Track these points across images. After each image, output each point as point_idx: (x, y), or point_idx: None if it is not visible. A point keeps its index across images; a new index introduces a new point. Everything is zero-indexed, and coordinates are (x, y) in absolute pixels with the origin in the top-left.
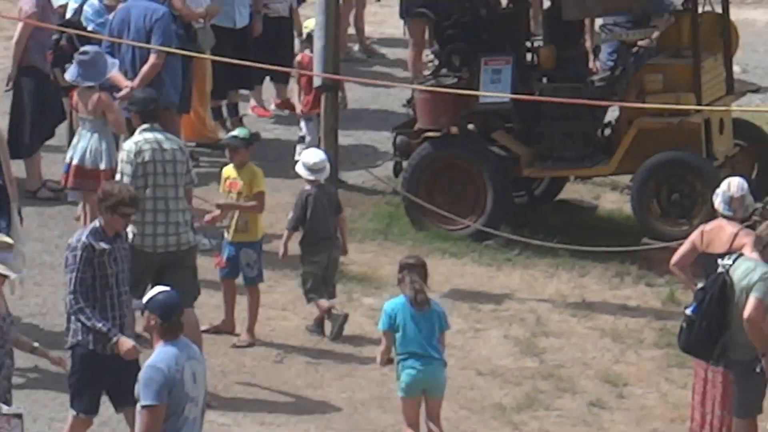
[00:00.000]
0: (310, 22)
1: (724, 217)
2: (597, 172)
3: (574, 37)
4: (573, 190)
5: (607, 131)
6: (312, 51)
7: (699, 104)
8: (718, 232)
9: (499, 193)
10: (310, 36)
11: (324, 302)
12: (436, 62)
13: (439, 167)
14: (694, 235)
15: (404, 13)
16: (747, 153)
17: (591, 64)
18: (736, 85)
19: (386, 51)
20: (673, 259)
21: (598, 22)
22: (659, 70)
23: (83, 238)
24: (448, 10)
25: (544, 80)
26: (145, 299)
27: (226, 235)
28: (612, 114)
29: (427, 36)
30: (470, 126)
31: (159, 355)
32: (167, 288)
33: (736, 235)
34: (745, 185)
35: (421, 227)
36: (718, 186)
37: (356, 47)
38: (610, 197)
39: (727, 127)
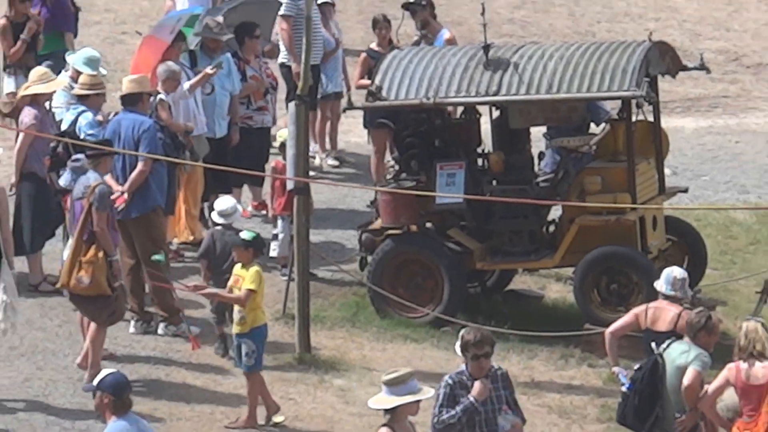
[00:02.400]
0: (283, 132)
1: (666, 297)
2: (542, 264)
3: (520, 144)
4: (521, 281)
5: (552, 228)
6: (284, 158)
7: (634, 203)
8: (662, 312)
9: (455, 285)
10: (283, 145)
11: (221, 327)
12: (397, 167)
13: (400, 261)
14: (638, 310)
15: (368, 124)
16: (678, 247)
17: (536, 168)
18: (667, 185)
19: (352, 158)
20: (611, 326)
21: (542, 129)
22: (598, 173)
23: (447, 379)
24: (407, 121)
25: (494, 183)
26: (95, 381)
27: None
28: (555, 213)
29: (388, 144)
30: (428, 224)
31: (112, 430)
32: (114, 369)
33: (679, 316)
34: (685, 273)
35: (385, 315)
36: (652, 277)
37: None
38: (555, 287)
39: (659, 224)
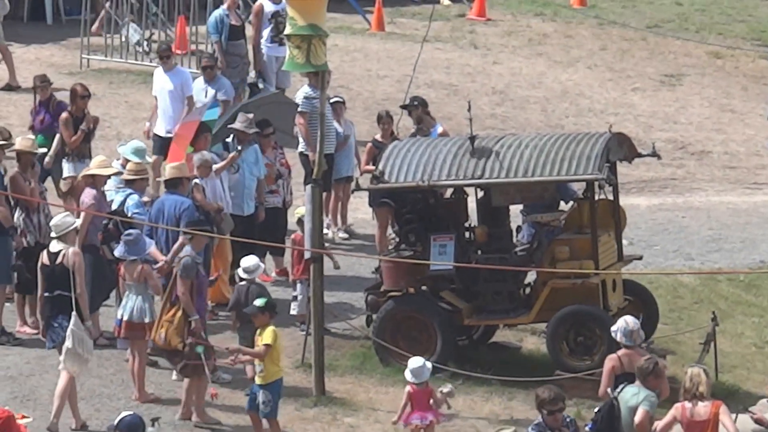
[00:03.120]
0: (300, 209)
1: (627, 347)
2: (520, 321)
3: (501, 219)
4: (502, 335)
5: (528, 290)
6: (302, 231)
7: (597, 269)
8: (633, 357)
9: (447, 337)
10: (300, 220)
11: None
12: (397, 239)
13: (400, 318)
14: (611, 363)
15: (372, 203)
16: (634, 305)
17: (514, 239)
18: (625, 253)
19: (360, 231)
20: (600, 390)
21: (519, 207)
22: (566, 243)
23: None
24: (406, 200)
25: (479, 252)
26: (115, 421)
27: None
28: (531, 277)
29: (390, 219)
30: (424, 287)
31: None
32: (132, 412)
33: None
34: (637, 321)
35: (388, 364)
36: (609, 332)
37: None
38: (531, 340)
39: (618, 286)
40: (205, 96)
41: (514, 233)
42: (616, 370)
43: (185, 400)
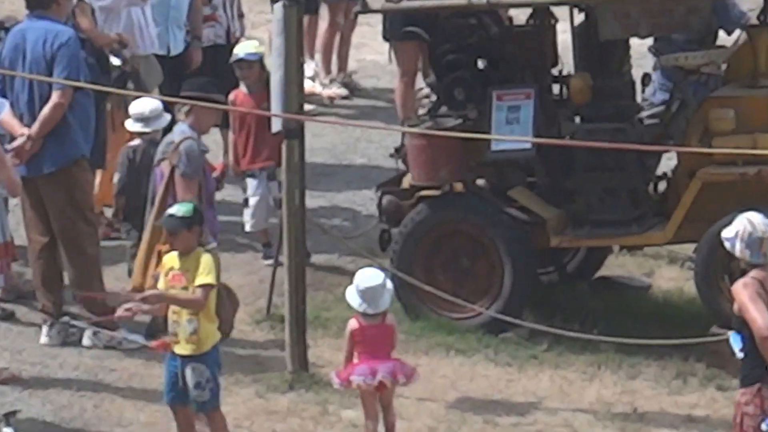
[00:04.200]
0: (247, 44)
1: (757, 266)
2: (649, 240)
3: (615, 63)
4: (618, 265)
5: (662, 186)
6: (249, 86)
7: None
8: None
9: (520, 270)
10: (243, 62)
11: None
12: (434, 98)
13: (439, 236)
14: (749, 288)
15: (390, 34)
16: None
17: (639, 98)
18: None
19: (367, 84)
20: (761, 322)
21: (648, 42)
22: (730, 105)
23: None
24: (448, 30)
25: (577, 120)
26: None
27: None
28: (668, 163)
29: (420, 64)
30: (480, 181)
31: None
32: None
33: None
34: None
35: (418, 315)
36: None
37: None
38: (667, 273)
39: None
40: None
41: (639, 87)
42: (763, 299)
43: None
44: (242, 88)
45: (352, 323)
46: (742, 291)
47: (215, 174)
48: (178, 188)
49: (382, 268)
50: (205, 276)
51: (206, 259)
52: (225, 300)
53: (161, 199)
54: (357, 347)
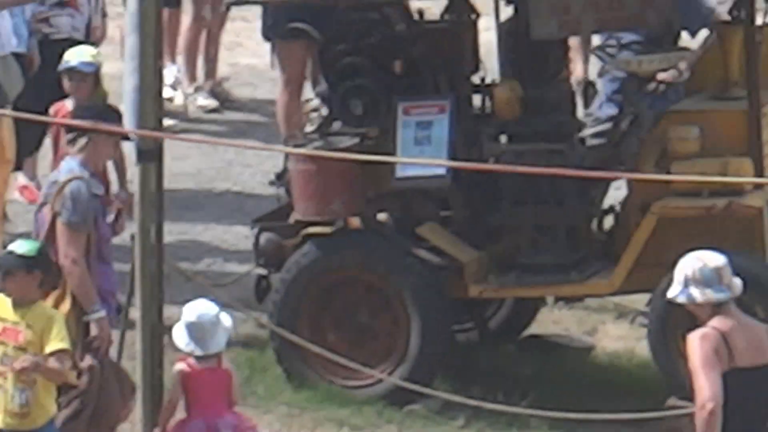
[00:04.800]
0: (83, 50)
1: (721, 305)
2: (592, 289)
3: (551, 69)
4: (553, 320)
5: (608, 222)
6: (76, 101)
7: (759, 174)
8: (743, 332)
9: (431, 326)
10: (75, 72)
11: None
12: (325, 111)
13: (330, 285)
14: (707, 345)
15: (271, 32)
16: None
17: (580, 112)
18: None
19: (242, 93)
20: (706, 392)
21: (594, 42)
22: (694, 121)
23: None
24: (344, 26)
25: (504, 139)
26: None
27: None
28: (616, 194)
29: (309, 69)
30: (382, 216)
31: None
32: None
33: None
34: (720, 255)
35: (303, 383)
36: None
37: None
38: (614, 331)
39: None
40: None
41: (579, 98)
42: (721, 360)
43: None
44: (68, 104)
45: (181, 366)
46: (697, 348)
47: (111, 213)
48: (61, 239)
49: (260, 324)
50: (60, 341)
51: (60, 320)
52: (111, 381)
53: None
54: (188, 396)
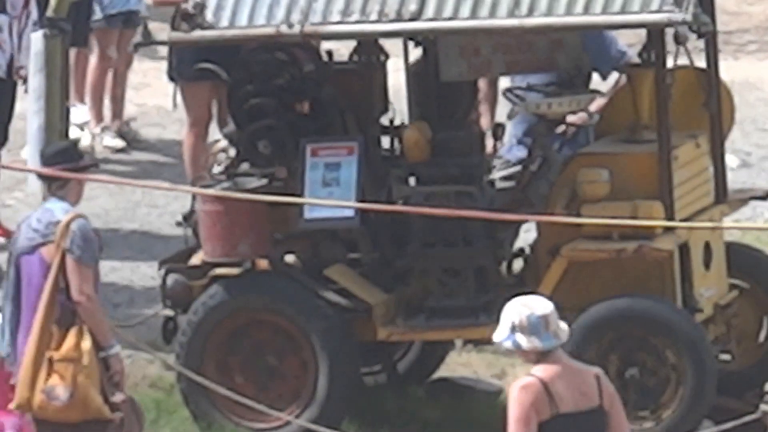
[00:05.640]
0: None
1: (547, 352)
2: None
3: (460, 110)
4: (461, 363)
5: (517, 265)
6: None
7: (670, 218)
8: (568, 378)
9: (339, 369)
10: None
11: None
12: (232, 152)
13: (238, 327)
14: (528, 397)
15: (176, 73)
16: (751, 300)
17: (489, 151)
18: (731, 187)
19: (149, 134)
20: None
21: (503, 84)
22: (604, 164)
23: None
24: (251, 67)
25: (412, 181)
26: None
27: None
28: (525, 236)
29: (215, 109)
30: (290, 257)
31: None
32: None
33: (598, 378)
34: (546, 302)
35: (210, 425)
36: (701, 353)
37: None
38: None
39: (717, 258)
40: None
41: (489, 140)
42: (540, 410)
43: None
44: None
45: None
46: (516, 401)
47: None
48: (74, 277)
49: (167, 366)
50: None
51: None
52: (129, 413)
53: (50, 294)
54: None
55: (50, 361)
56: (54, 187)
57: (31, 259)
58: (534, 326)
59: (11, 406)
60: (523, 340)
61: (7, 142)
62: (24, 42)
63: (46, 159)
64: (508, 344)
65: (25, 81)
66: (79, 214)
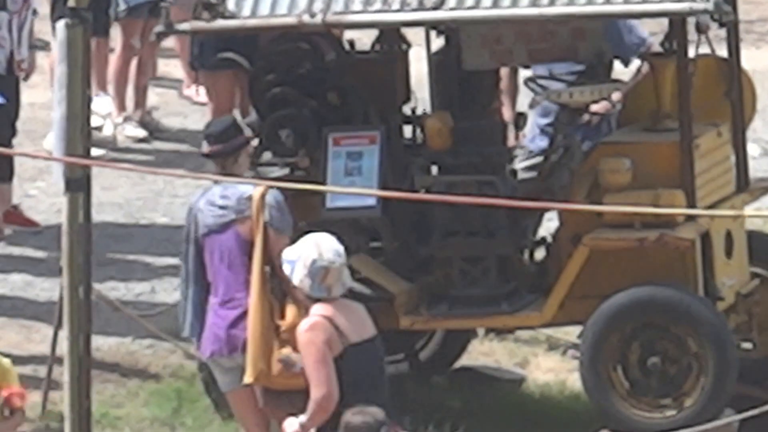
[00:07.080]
0: None
1: (319, 300)
2: (523, 321)
3: (482, 100)
4: (483, 352)
5: (540, 254)
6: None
7: (691, 206)
8: (347, 313)
9: None
10: None
11: None
12: (255, 142)
13: None
14: (317, 337)
15: (199, 62)
16: None
17: (512, 142)
18: (754, 176)
19: (171, 123)
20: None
21: (525, 74)
22: (626, 153)
23: None
24: (274, 56)
25: (434, 170)
26: None
27: None
28: (548, 225)
29: (238, 99)
30: None
31: None
32: None
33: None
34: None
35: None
36: (723, 342)
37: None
38: (545, 363)
39: (738, 246)
40: None
41: (511, 129)
42: (333, 347)
43: None
44: None
45: None
46: (310, 343)
47: None
48: (276, 248)
49: (189, 355)
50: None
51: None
52: None
53: (260, 267)
54: None
55: (277, 329)
56: (229, 162)
57: (221, 237)
58: (314, 271)
59: (246, 379)
60: (297, 274)
61: (16, 134)
62: (24, 35)
63: (217, 137)
64: (286, 268)
65: (27, 75)
66: (269, 185)
